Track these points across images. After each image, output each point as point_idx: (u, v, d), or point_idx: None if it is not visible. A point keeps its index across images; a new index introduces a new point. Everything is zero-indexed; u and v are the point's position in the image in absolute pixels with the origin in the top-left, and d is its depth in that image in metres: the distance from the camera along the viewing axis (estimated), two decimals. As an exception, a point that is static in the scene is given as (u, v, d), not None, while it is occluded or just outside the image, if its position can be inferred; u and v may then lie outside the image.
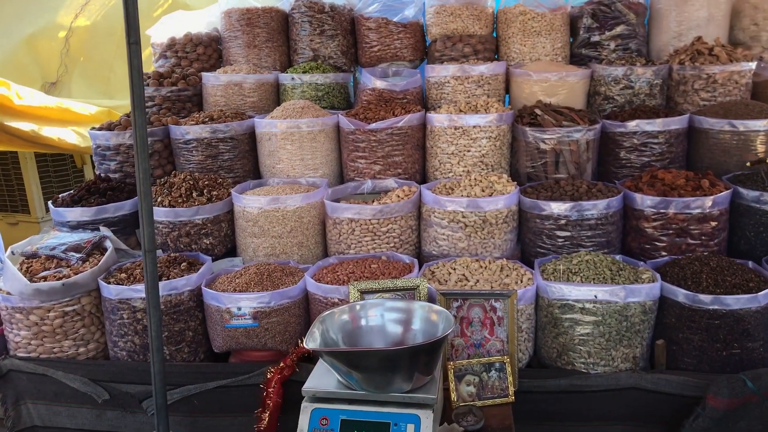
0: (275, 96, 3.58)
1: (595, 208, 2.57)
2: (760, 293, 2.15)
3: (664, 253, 2.56)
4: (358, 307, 2.00)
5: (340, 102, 3.55)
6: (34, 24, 5.34)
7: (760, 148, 2.84)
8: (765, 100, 3.18)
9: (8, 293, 2.40)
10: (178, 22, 3.92)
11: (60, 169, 6.04)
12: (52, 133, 4.43)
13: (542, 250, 2.66)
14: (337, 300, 2.33)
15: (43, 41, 5.30)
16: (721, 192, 2.56)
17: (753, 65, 3.17)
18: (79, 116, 4.55)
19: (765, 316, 2.17)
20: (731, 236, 2.65)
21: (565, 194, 2.69)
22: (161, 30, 3.89)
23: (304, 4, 3.70)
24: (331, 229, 2.77)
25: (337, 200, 2.91)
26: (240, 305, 2.35)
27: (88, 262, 2.53)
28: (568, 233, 2.60)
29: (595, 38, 3.54)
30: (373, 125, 3.00)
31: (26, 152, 5.66)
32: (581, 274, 2.33)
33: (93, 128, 3.24)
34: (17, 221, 5.91)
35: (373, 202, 2.81)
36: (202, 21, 3.97)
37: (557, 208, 2.60)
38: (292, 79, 3.47)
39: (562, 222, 2.60)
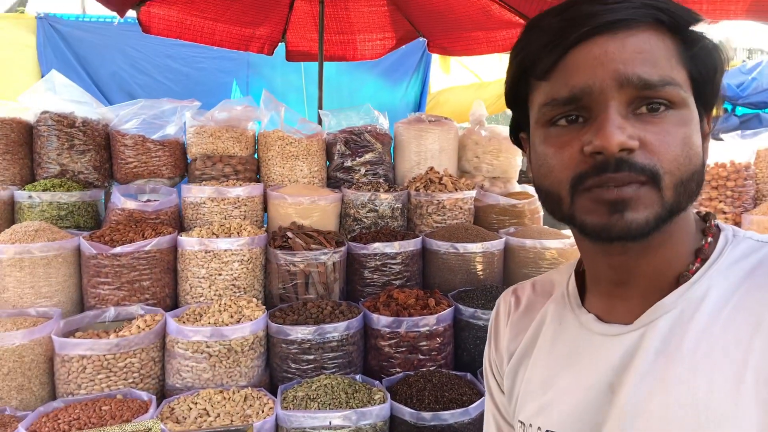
0: (10, 215, 3.26)
1: (336, 330, 2.72)
2: (471, 406, 2.41)
3: (398, 370, 2.77)
4: (64, 468, 1.82)
5: (87, 221, 3.35)
6: None
7: (478, 267, 3.29)
8: (485, 223, 3.74)
9: None
10: None
11: None
12: None
13: (289, 375, 2.71)
14: (51, 455, 2.09)
15: None
16: (445, 309, 2.88)
17: (474, 193, 3.72)
18: None
19: (476, 426, 2.43)
20: (456, 349, 2.97)
21: (311, 317, 2.81)
22: None
23: (52, 117, 3.50)
24: (60, 367, 2.52)
25: (74, 332, 2.68)
26: (-77, 475, 1.99)
27: None
28: (312, 356, 2.70)
29: (348, 163, 3.88)
30: (118, 249, 2.87)
31: None
32: (318, 400, 2.41)
33: None
34: None
35: (113, 332, 2.64)
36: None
37: (301, 332, 2.69)
38: (30, 197, 3.21)
39: (306, 346, 2.69)
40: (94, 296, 2.90)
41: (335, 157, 3.93)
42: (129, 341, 2.54)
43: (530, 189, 4.11)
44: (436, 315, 2.82)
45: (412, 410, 2.39)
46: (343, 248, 3.18)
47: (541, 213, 3.96)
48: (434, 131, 4.04)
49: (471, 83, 8.25)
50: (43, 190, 3.25)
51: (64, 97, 3.66)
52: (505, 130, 4.17)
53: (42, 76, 5.78)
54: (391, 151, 4.14)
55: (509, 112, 1.00)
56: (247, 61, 6.74)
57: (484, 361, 1.15)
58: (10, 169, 3.43)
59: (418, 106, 7.67)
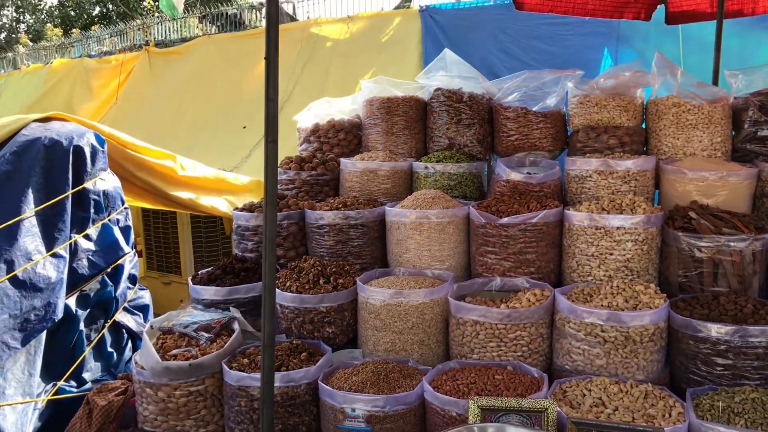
0: (409, 183, 3.59)
1: (764, 335, 2.20)
2: None
3: None
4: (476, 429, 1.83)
5: (472, 191, 3.47)
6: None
7: None
8: None
9: (142, 368, 2.53)
10: (324, 108, 4.14)
11: (210, 235, 6.52)
12: (207, 201, 4.82)
13: (696, 378, 2.31)
14: (455, 414, 2.16)
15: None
16: None
17: None
18: (232, 186, 4.94)
19: None
20: None
21: (726, 314, 2.34)
22: (307, 116, 4.11)
23: (443, 93, 3.74)
24: (455, 329, 2.63)
25: (463, 297, 2.78)
26: (354, 406, 2.26)
27: (215, 343, 2.61)
28: (728, 361, 2.24)
29: (763, 132, 3.18)
30: (505, 220, 2.87)
31: (184, 217, 6.21)
32: (746, 416, 1.97)
33: (236, 209, 3.44)
34: (170, 281, 6.41)
35: (501, 302, 2.65)
36: (345, 107, 4.15)
37: (716, 330, 2.26)
38: (426, 167, 3.47)
39: (722, 347, 2.25)
40: (481, 264, 2.97)
41: (745, 126, 3.25)
42: (520, 313, 2.50)
43: None
44: None
45: None
46: (766, 235, 2.58)
47: None
48: None
49: None
50: (437, 162, 3.48)
51: (453, 73, 3.86)
52: None
53: (424, 64, 6.33)
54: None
55: None
56: (616, 35, 6.19)
57: None
58: (408, 143, 3.79)
59: (841, 63, 5.98)
